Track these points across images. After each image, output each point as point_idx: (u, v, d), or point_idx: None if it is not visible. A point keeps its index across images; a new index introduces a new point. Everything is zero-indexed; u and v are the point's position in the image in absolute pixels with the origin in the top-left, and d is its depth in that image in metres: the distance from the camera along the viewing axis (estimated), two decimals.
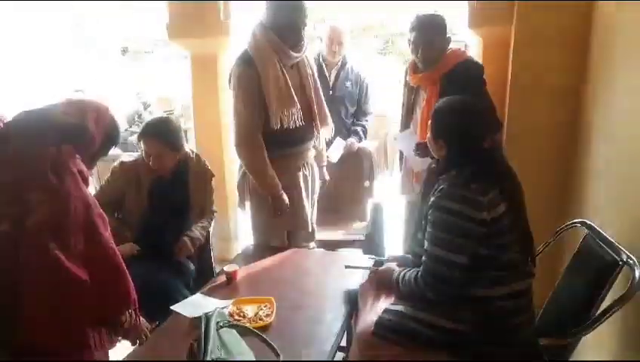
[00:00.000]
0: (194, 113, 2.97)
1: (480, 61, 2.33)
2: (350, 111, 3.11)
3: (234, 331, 1.29)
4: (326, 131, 2.40)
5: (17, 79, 3.33)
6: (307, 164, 2.35)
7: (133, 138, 7.28)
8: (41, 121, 1.33)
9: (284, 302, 1.74)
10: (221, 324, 1.23)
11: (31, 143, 1.27)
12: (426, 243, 1.53)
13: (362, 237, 2.66)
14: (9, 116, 1.38)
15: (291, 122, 2.15)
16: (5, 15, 3.22)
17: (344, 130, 3.04)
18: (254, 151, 2.16)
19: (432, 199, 1.52)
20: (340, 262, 2.08)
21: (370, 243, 2.65)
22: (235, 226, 3.05)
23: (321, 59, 3.03)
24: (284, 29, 2.10)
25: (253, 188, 2.30)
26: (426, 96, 2.23)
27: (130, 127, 7.74)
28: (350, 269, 1.92)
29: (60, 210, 1.22)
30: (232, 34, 2.80)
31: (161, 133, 2.06)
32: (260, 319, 1.63)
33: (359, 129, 3.10)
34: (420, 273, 1.54)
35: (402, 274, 1.62)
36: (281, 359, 1.28)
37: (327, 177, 2.57)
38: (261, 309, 1.69)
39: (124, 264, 1.42)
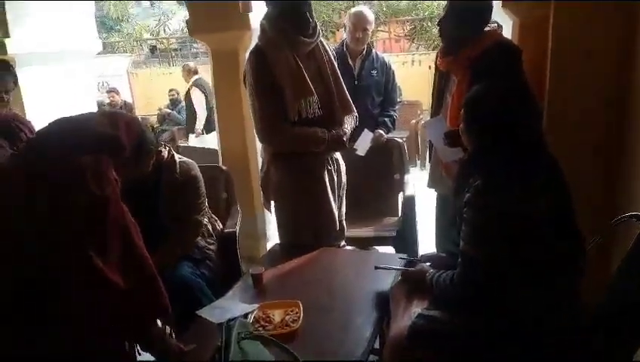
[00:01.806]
0: (216, 109, 2.93)
1: (515, 43, 2.16)
2: (377, 102, 2.98)
3: (257, 341, 1.23)
4: (350, 120, 2.29)
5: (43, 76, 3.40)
6: (332, 157, 2.26)
7: (165, 135, 7.40)
8: (77, 130, 1.33)
9: (312, 306, 1.66)
10: (242, 336, 1.17)
11: (68, 153, 1.27)
12: (461, 243, 1.41)
13: (394, 234, 2.55)
14: (37, 124, 1.38)
15: (310, 112, 2.06)
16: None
17: (371, 121, 2.92)
18: (284, 133, 2.07)
19: (466, 196, 1.40)
20: (370, 261, 1.99)
21: (402, 240, 2.53)
22: (263, 224, 2.99)
23: (344, 48, 2.92)
24: (289, 16, 2.02)
25: (277, 186, 2.23)
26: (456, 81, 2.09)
27: (161, 125, 7.87)
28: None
29: (99, 217, 1.22)
30: (253, 28, 2.73)
31: None
32: (287, 325, 1.56)
33: (387, 119, 2.97)
34: (455, 275, 1.43)
35: (436, 276, 1.52)
36: None
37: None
38: (288, 314, 1.62)
39: (155, 273, 1.40)
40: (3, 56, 3.11)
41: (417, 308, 1.52)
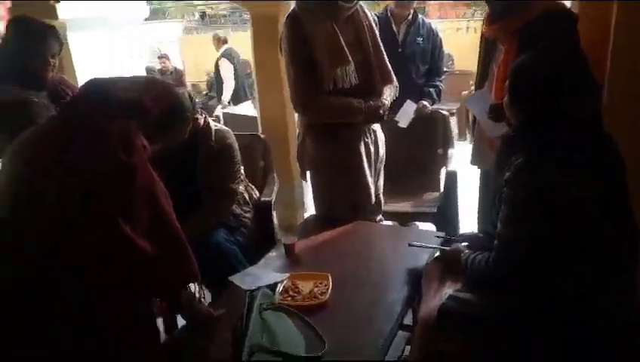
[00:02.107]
0: (255, 77, 2.90)
1: (571, 9, 1.96)
2: (422, 71, 2.85)
3: (281, 313, 1.22)
4: (389, 90, 2.19)
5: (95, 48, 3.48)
6: (369, 129, 2.18)
7: (213, 102, 7.51)
8: (105, 95, 1.32)
9: (342, 279, 1.64)
10: (264, 306, 1.16)
11: (95, 117, 1.27)
12: (498, 225, 1.33)
13: (434, 210, 2.46)
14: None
15: (346, 81, 1.98)
16: None
17: (415, 91, 2.80)
18: (318, 103, 2.01)
19: (507, 174, 1.31)
20: (406, 236, 1.94)
21: (443, 217, 2.44)
22: (301, 194, 2.99)
23: (389, 13, 2.79)
24: None
25: (312, 158, 2.19)
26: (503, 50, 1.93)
27: (210, 91, 7.98)
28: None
29: (125, 183, 1.22)
30: None
31: None
32: (315, 297, 1.55)
33: (432, 90, 2.84)
34: (490, 258, 1.36)
35: (472, 257, 1.45)
36: (327, 346, 1.19)
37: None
38: (317, 286, 1.61)
39: (186, 240, 1.40)
40: (54, 21, 3.22)
41: (449, 289, 1.47)
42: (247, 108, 5.52)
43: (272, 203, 2.27)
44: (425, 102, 2.78)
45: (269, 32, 2.67)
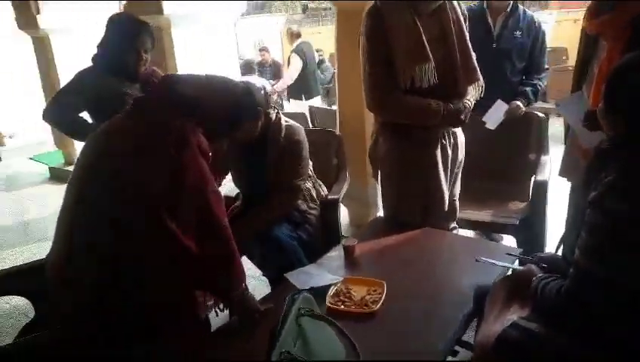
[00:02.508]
0: (337, 70, 2.86)
1: None
2: (518, 68, 2.59)
3: (322, 322, 1.18)
4: (474, 90, 2.02)
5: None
6: (448, 130, 2.03)
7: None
8: (170, 90, 1.36)
9: (399, 288, 1.56)
10: (302, 312, 1.13)
11: (159, 112, 1.31)
12: (576, 252, 1.16)
13: (516, 222, 2.24)
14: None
15: (425, 80, 1.85)
16: None
17: (508, 90, 2.56)
18: (393, 102, 1.91)
19: (592, 194, 1.13)
20: (475, 249, 1.79)
21: (526, 231, 2.21)
22: (375, 193, 2.90)
23: (484, 5, 2.57)
24: None
25: (384, 158, 2.10)
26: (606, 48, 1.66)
27: None
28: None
29: (175, 181, 1.23)
30: None
31: None
32: (366, 305, 1.49)
33: (529, 89, 2.57)
34: (564, 287, 1.19)
35: (544, 282, 1.28)
36: (361, 359, 1.12)
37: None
38: (370, 294, 1.55)
39: (234, 243, 1.40)
40: (159, 16, 3.48)
41: (514, 315, 1.32)
42: (317, 103, 5.51)
43: (339, 201, 2.22)
44: (518, 103, 2.53)
45: (353, 27, 2.60)
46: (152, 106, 1.33)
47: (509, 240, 2.40)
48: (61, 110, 2.13)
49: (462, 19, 1.99)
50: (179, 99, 1.31)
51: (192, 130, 1.29)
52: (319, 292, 1.52)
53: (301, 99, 5.48)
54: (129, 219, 1.21)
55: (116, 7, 4.04)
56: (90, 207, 1.25)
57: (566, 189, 2.05)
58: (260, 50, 8.53)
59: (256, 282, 2.36)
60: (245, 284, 1.47)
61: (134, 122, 1.33)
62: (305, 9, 10.74)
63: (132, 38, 2.06)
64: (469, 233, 2.73)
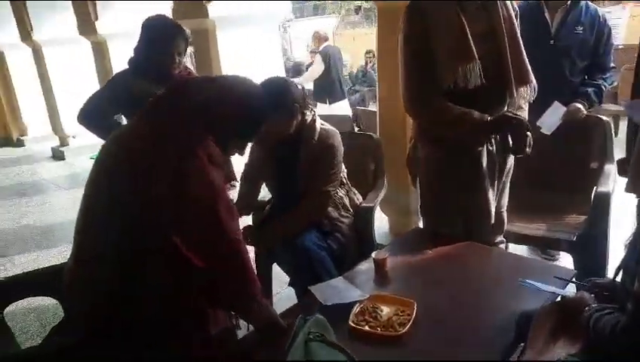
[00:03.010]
0: (378, 71, 2.73)
1: None
2: (579, 67, 2.35)
3: (335, 351, 1.07)
4: (526, 92, 1.82)
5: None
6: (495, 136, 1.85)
7: (356, 97, 7.53)
8: (180, 94, 1.30)
9: (431, 309, 1.43)
10: (312, 337, 1.03)
11: (168, 117, 1.25)
12: (637, 283, 0.98)
13: (573, 238, 2.00)
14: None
15: (469, 80, 1.68)
16: None
17: (567, 91, 2.33)
18: (432, 106, 1.75)
19: None
20: (525, 269, 1.61)
21: (584, 249, 1.97)
22: (417, 200, 2.74)
23: None
24: None
25: (424, 164, 1.95)
26: None
27: (353, 85, 8.03)
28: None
29: (178, 191, 1.16)
30: None
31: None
32: (392, 326, 1.36)
33: (591, 90, 2.32)
34: (621, 322, 1.01)
35: (598, 315, 1.10)
36: None
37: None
38: (397, 314, 1.41)
39: (247, 255, 1.32)
40: (204, 19, 3.50)
41: (562, 350, 1.15)
42: (341, 107, 5.39)
43: (374, 210, 2.09)
44: (578, 105, 2.29)
45: (394, 26, 2.47)
46: (160, 112, 1.27)
47: (565, 259, 2.17)
48: (93, 113, 2.16)
49: (513, 14, 1.81)
50: (189, 105, 1.24)
51: (200, 139, 1.21)
52: (344, 309, 1.42)
53: (325, 103, 5.40)
54: (132, 230, 1.16)
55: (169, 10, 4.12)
56: (96, 215, 1.22)
57: (633, 204, 1.81)
58: (311, 52, 8.54)
59: (284, 292, 2.29)
60: (263, 298, 1.39)
61: (142, 129, 1.28)
62: (358, 10, 10.61)
63: (165, 40, 2.06)
64: (520, 249, 2.51)
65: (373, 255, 1.71)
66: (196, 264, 1.17)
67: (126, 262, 1.18)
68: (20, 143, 7.27)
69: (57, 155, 6.32)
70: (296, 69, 6.93)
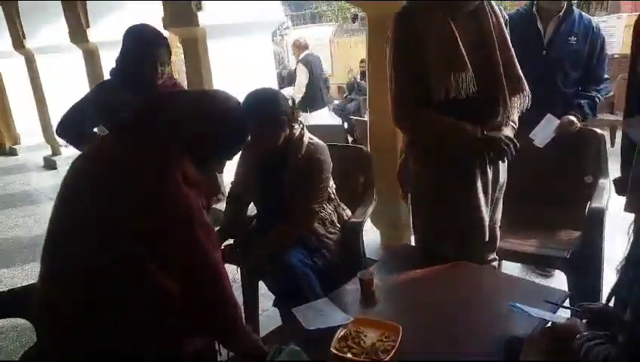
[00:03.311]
0: (368, 81, 2.68)
1: None
2: (572, 78, 2.30)
3: None
4: (518, 101, 1.77)
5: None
6: None
7: (352, 105, 7.49)
8: (155, 109, 1.24)
9: (417, 332, 1.37)
10: None
11: (138, 138, 1.18)
12: (628, 312, 0.92)
13: (566, 255, 1.94)
14: None
15: (461, 90, 1.63)
16: None
17: (560, 103, 2.28)
18: (421, 118, 1.72)
19: None
20: (516, 291, 1.56)
21: (578, 267, 1.91)
22: (408, 214, 2.68)
23: (533, 8, 2.30)
24: None
25: (414, 178, 1.89)
26: None
27: (350, 93, 7.99)
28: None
29: (154, 216, 1.11)
30: None
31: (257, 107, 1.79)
32: (376, 354, 1.30)
33: (585, 102, 2.27)
34: (611, 356, 0.95)
35: (588, 346, 1.04)
36: None
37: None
38: (381, 340, 1.35)
39: (226, 279, 1.25)
40: (194, 27, 3.45)
41: None
42: (322, 116, 5.34)
43: (362, 225, 2.03)
44: (572, 117, 2.24)
45: (383, 34, 2.43)
46: (134, 130, 1.20)
47: (560, 275, 2.10)
48: (72, 125, 2.10)
49: (502, 22, 1.76)
50: (164, 123, 1.18)
51: (176, 158, 1.14)
52: (328, 333, 1.36)
53: (306, 112, 5.31)
54: (101, 252, 1.10)
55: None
56: (65, 235, 1.16)
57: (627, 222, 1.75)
58: (298, 61, 8.51)
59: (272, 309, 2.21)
60: (243, 322, 1.32)
61: (114, 148, 1.21)
62: (355, 18, 10.59)
63: (146, 50, 2.00)
64: (514, 266, 2.45)
65: (358, 275, 1.64)
66: (172, 289, 1.11)
67: (94, 286, 1.11)
68: (12, 152, 7.21)
69: (49, 165, 6.26)
70: (292, 78, 6.87)
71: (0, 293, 1.60)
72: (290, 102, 1.94)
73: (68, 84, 5.41)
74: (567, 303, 1.48)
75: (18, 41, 5.88)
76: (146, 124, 1.20)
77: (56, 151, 6.31)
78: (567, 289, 1.84)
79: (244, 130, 1.34)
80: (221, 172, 1.40)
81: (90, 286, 1.11)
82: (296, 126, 1.92)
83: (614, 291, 1.14)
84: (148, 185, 1.09)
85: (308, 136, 1.94)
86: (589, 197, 2.07)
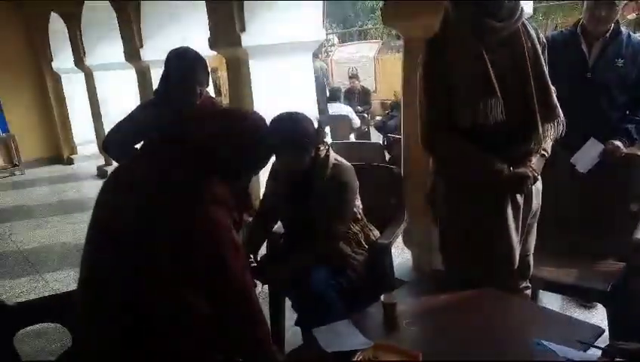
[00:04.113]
0: (403, 101, 2.66)
1: None
2: (619, 102, 2.20)
3: None
4: (552, 130, 1.72)
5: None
6: None
7: (393, 122, 7.45)
8: (183, 133, 1.30)
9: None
10: None
11: (170, 158, 1.24)
12: None
13: (607, 288, 1.83)
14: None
15: (490, 117, 1.61)
16: None
17: (604, 127, 2.18)
18: (449, 143, 1.72)
19: None
20: (547, 324, 1.49)
21: (620, 300, 1.80)
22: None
23: (578, 30, 2.23)
24: None
25: (444, 201, 1.86)
26: None
27: (392, 110, 7.95)
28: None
29: (183, 235, 1.15)
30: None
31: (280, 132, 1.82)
32: None
33: (632, 127, 2.17)
34: None
35: None
36: None
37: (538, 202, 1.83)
38: None
39: (255, 299, 1.30)
40: (237, 48, 3.57)
41: None
42: None
43: (390, 246, 2.01)
44: (617, 142, 2.14)
45: (418, 57, 2.43)
46: (164, 151, 1.27)
47: (600, 311, 1.99)
48: (116, 142, 2.21)
49: (539, 47, 1.72)
50: (193, 143, 1.24)
51: (208, 182, 1.19)
52: (346, 356, 1.35)
53: None
54: (133, 271, 1.15)
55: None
56: (99, 250, 1.23)
57: None
58: (350, 77, 8.58)
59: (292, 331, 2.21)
60: (270, 342, 1.34)
61: (145, 166, 1.27)
62: (399, 36, 10.59)
63: (187, 73, 2.10)
64: (553, 297, 2.33)
65: (381, 298, 1.62)
66: (202, 309, 1.16)
67: (127, 304, 1.16)
68: (69, 161, 7.66)
69: (102, 174, 6.59)
70: (333, 95, 6.93)
71: (41, 299, 1.70)
72: (315, 123, 1.96)
73: (121, 101, 5.73)
74: (606, 338, 1.40)
75: (79, 58, 6.29)
76: (177, 143, 1.26)
77: (108, 162, 6.65)
78: (607, 324, 1.74)
79: (271, 149, 1.39)
80: (247, 186, 1.45)
81: (124, 304, 1.16)
82: (322, 147, 1.94)
83: None
84: (178, 209, 1.14)
85: (333, 157, 1.95)
86: (635, 226, 1.96)
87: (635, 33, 2.27)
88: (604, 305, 1.87)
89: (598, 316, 2.21)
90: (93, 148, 7.13)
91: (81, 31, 6.08)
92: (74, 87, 7.15)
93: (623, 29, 2.21)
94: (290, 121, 1.85)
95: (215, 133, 1.26)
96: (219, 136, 1.26)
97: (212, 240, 1.17)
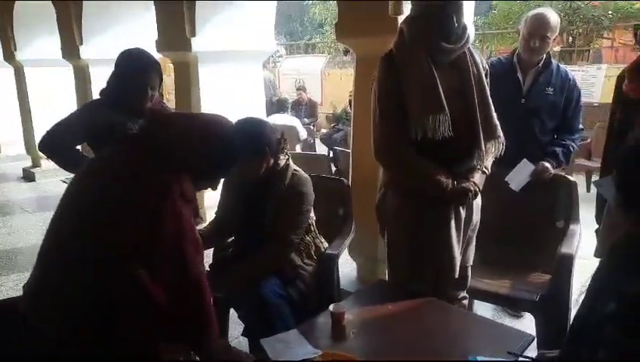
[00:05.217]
0: (353, 116, 2.74)
1: None
2: (549, 127, 2.39)
3: None
4: (492, 148, 1.85)
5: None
6: None
7: (338, 135, 7.58)
8: (157, 130, 1.34)
9: None
10: None
11: (143, 154, 1.27)
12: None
13: (535, 298, 1.98)
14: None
15: (438, 132, 1.70)
16: None
17: (536, 150, 2.36)
18: (401, 156, 1.80)
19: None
20: (480, 333, 1.58)
21: (547, 311, 1.95)
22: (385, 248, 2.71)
23: (514, 58, 2.41)
24: (435, 17, 1.71)
25: (392, 214, 1.93)
26: None
27: (337, 124, 8.10)
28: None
29: (152, 233, 1.19)
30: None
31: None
32: None
33: (559, 150, 2.36)
34: None
35: None
36: None
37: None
38: None
39: (209, 295, 1.36)
40: (187, 52, 3.51)
41: None
42: None
43: (337, 257, 2.05)
44: (547, 164, 2.32)
45: (371, 73, 2.51)
46: (135, 150, 1.29)
47: (530, 318, 2.13)
48: (58, 141, 2.09)
49: (482, 71, 1.85)
50: (165, 142, 1.28)
51: (176, 177, 1.23)
52: None
53: None
54: (97, 264, 1.17)
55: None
56: (63, 245, 1.22)
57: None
58: (297, 89, 8.64)
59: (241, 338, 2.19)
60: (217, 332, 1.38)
61: (116, 165, 1.29)
62: (347, 51, 10.85)
63: (138, 74, 2.03)
64: (487, 306, 2.47)
65: (330, 308, 1.65)
66: (159, 298, 1.19)
67: (87, 293, 1.18)
68: None
69: (28, 176, 6.16)
70: (281, 105, 6.95)
71: None
72: (278, 134, 1.97)
73: (54, 99, 5.41)
74: (534, 345, 1.51)
75: (9, 53, 5.88)
76: (149, 143, 1.29)
77: (36, 163, 6.23)
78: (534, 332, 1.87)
79: (237, 152, 1.43)
80: (215, 189, 1.49)
81: (84, 292, 1.17)
82: (282, 156, 1.95)
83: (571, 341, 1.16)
84: (146, 204, 1.18)
85: (293, 168, 1.97)
86: (560, 241, 2.13)
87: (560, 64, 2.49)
88: (532, 314, 2.01)
89: (526, 325, 2.36)
90: (20, 148, 6.66)
91: (12, 24, 5.70)
92: (1, 83, 6.67)
93: (553, 60, 2.42)
94: (250, 127, 1.85)
95: (182, 133, 1.31)
96: (186, 136, 1.30)
97: (176, 231, 1.22)
